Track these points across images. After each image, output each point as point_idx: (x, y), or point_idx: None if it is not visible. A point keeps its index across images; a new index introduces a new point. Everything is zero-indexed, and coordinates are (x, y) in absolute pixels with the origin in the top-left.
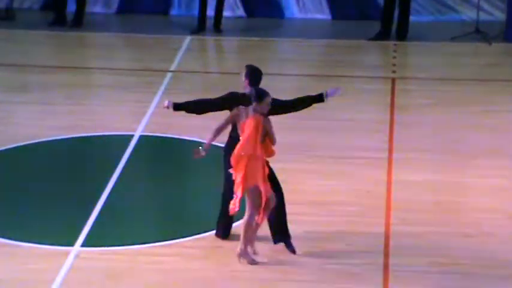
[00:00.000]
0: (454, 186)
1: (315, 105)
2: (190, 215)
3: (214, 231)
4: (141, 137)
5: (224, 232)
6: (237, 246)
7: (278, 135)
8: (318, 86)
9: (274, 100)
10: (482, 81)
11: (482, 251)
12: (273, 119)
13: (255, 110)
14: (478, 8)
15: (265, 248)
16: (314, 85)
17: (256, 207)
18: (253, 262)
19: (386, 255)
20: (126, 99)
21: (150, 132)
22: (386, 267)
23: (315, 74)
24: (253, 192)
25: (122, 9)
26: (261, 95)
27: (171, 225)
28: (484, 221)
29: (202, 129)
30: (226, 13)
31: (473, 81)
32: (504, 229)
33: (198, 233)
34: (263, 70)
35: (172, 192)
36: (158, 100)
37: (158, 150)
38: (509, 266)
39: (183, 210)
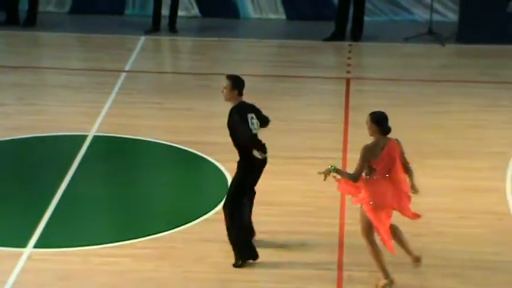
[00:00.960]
0: None
1: (269, 105)
2: (143, 216)
3: (168, 232)
4: (94, 137)
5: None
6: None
7: None
8: (273, 86)
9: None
10: (436, 82)
11: (433, 250)
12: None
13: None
14: (431, 9)
15: (221, 249)
16: (269, 85)
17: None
18: None
19: (340, 255)
20: (80, 100)
21: (103, 133)
22: (340, 267)
23: (269, 74)
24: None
25: (75, 9)
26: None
27: (124, 226)
28: (435, 220)
29: (155, 130)
30: (181, 13)
31: (426, 82)
32: (454, 229)
33: (151, 234)
34: (218, 70)
35: (125, 192)
36: (112, 100)
37: (112, 151)
38: (459, 265)
39: (136, 211)
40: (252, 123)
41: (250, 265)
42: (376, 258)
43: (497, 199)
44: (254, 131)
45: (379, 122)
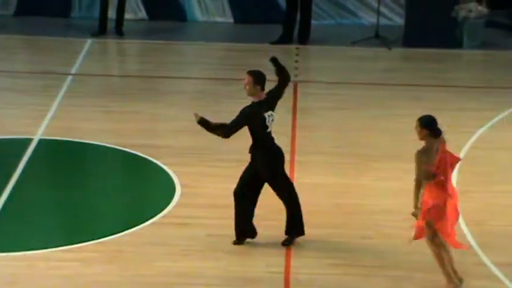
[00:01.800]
0: (354, 188)
1: (215, 109)
2: (90, 219)
3: (115, 236)
4: (40, 140)
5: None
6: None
7: (180, 139)
8: (220, 89)
9: None
10: (382, 85)
11: (381, 252)
12: (180, 123)
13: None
14: (378, 13)
15: (169, 253)
16: (216, 88)
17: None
18: None
19: (287, 257)
20: (25, 103)
21: (49, 136)
22: (287, 269)
23: (217, 77)
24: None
25: (20, 11)
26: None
27: (71, 230)
28: (383, 222)
29: (101, 133)
30: (127, 15)
31: (373, 85)
32: (401, 230)
33: (99, 238)
34: (164, 73)
35: (72, 196)
36: (58, 103)
37: (58, 154)
38: (407, 267)
39: (83, 215)
40: (269, 121)
41: (198, 268)
42: (439, 263)
43: None
44: (269, 129)
45: (429, 125)
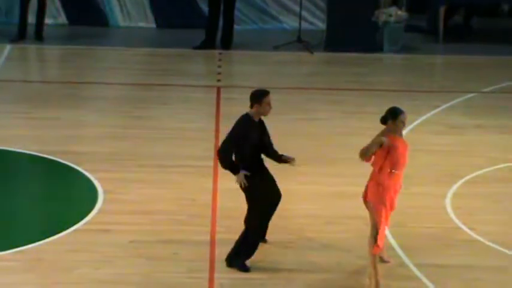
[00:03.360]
0: None
1: (138, 113)
2: (9, 228)
3: (36, 244)
4: None
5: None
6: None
7: (102, 145)
8: (142, 94)
9: None
10: (304, 89)
11: (304, 256)
12: (102, 129)
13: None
14: (300, 17)
15: (91, 259)
16: (138, 94)
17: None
18: None
19: (212, 262)
20: None
21: None
22: (211, 274)
23: (139, 82)
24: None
25: None
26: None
27: None
28: (306, 226)
29: (22, 140)
30: (47, 21)
31: (295, 89)
32: (324, 234)
33: (18, 246)
34: (85, 79)
35: None
36: None
37: None
38: (329, 270)
39: (2, 223)
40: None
41: (119, 275)
42: (372, 260)
43: (363, 204)
44: None
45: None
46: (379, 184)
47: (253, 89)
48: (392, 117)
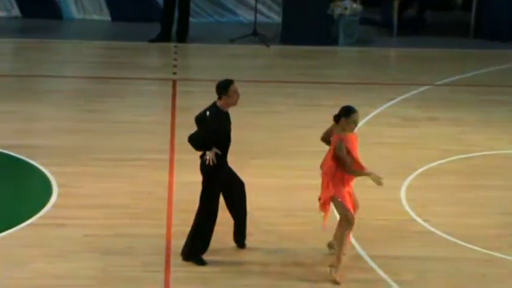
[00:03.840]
0: None
1: (93, 107)
2: None
3: None
4: None
5: None
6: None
7: (56, 139)
8: (97, 88)
9: None
10: (260, 82)
11: (259, 248)
12: (56, 123)
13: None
14: (256, 10)
15: (44, 254)
16: (93, 87)
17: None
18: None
19: (168, 256)
20: None
21: None
22: (168, 268)
23: (93, 76)
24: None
25: None
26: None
27: None
28: (263, 219)
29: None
30: (1, 13)
31: (251, 82)
32: (280, 226)
33: None
34: (39, 72)
35: None
36: None
37: None
38: (286, 263)
39: None
40: None
41: (74, 270)
42: (340, 240)
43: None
44: None
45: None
46: (336, 178)
47: (218, 81)
48: (346, 116)
